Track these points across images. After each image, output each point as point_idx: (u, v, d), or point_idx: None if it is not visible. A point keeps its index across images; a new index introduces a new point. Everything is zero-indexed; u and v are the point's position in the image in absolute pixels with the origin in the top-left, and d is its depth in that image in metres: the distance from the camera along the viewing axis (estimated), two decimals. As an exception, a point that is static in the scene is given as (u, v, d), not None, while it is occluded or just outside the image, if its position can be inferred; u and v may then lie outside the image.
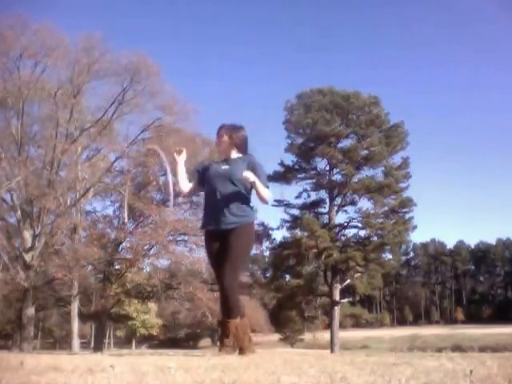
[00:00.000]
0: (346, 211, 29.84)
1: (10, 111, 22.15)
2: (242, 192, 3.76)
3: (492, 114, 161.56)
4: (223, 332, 3.71)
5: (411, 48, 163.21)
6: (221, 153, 3.97)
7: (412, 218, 29.06)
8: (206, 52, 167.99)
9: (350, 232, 29.86)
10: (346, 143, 29.72)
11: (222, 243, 3.74)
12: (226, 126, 3.98)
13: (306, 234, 28.01)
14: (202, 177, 3.95)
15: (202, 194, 4.09)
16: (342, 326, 46.69)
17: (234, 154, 3.89)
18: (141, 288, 29.47)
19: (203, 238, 4.04)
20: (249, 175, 3.65)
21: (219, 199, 3.73)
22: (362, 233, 29.39)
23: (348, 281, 28.76)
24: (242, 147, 3.91)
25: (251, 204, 3.86)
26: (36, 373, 2.26)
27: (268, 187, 3.81)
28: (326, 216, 29.89)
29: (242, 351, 3.67)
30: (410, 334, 63.96)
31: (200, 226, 4.08)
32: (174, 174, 4.02)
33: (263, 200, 3.78)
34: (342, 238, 29.84)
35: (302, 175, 30.37)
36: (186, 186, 4.02)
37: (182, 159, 4.02)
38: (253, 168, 3.75)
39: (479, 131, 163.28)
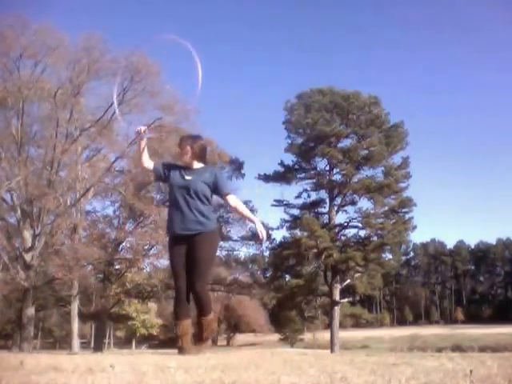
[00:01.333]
0: (346, 211, 29.89)
1: (10, 111, 22.14)
2: (204, 202, 3.99)
3: (492, 114, 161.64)
4: (202, 329, 4.00)
5: (411, 48, 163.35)
6: (184, 163, 4.11)
7: (412, 218, 29.12)
8: (206, 52, 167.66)
9: (350, 232, 29.93)
10: (346, 143, 29.78)
11: (186, 247, 3.96)
12: (186, 137, 4.19)
13: (305, 234, 28.02)
14: (165, 173, 4.10)
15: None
16: (342, 326, 46.66)
17: (196, 164, 4.07)
18: (141, 288, 29.50)
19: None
20: (262, 233, 3.99)
21: (183, 208, 3.94)
22: (362, 233, 29.45)
23: (348, 281, 28.76)
24: (202, 156, 4.11)
25: (212, 213, 4.13)
26: (36, 373, 2.26)
27: (230, 193, 4.14)
28: (326, 216, 29.90)
29: (198, 343, 3.98)
30: (409, 334, 63.85)
31: (166, 231, 4.28)
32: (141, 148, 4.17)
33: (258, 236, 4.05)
34: (342, 237, 29.85)
35: (302, 175, 30.39)
36: (148, 162, 4.17)
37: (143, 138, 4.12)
38: (216, 178, 4.03)
39: (479, 131, 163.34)
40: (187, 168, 4.03)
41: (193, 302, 4.03)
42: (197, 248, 3.88)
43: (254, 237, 30.37)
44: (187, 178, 3.95)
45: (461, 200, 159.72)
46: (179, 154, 4.13)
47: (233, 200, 4.12)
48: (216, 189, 4.02)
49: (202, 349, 3.94)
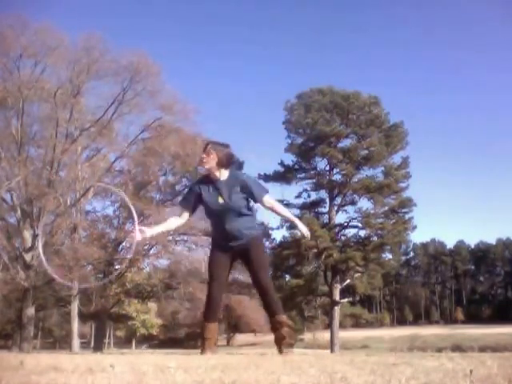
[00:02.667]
0: (345, 211, 29.90)
1: (10, 111, 22.14)
2: (245, 214, 3.87)
3: (492, 114, 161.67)
4: (278, 328, 3.83)
5: (411, 48, 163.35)
6: (206, 171, 3.89)
7: (412, 218, 29.11)
8: (206, 52, 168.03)
9: (350, 232, 29.93)
10: (346, 143, 29.79)
11: (230, 256, 3.91)
12: (212, 143, 3.92)
13: (305, 233, 27.99)
14: (196, 201, 3.92)
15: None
16: (342, 326, 46.67)
17: (222, 173, 3.86)
18: (141, 288, 29.52)
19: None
20: (305, 231, 3.96)
21: (226, 226, 3.82)
22: (362, 233, 29.45)
23: (348, 281, 28.76)
24: (228, 164, 3.88)
25: (255, 220, 4.03)
26: (36, 373, 2.26)
27: (264, 196, 3.90)
28: (326, 216, 29.91)
29: (284, 345, 3.78)
30: (409, 333, 63.92)
31: (212, 243, 4.10)
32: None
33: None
34: (342, 237, 29.85)
35: (302, 175, 30.39)
36: (173, 222, 3.98)
37: (148, 231, 3.83)
38: (245, 187, 3.82)
39: (479, 131, 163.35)
40: (214, 181, 3.83)
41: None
42: (253, 252, 3.84)
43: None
44: (221, 201, 3.79)
45: (461, 200, 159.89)
46: (202, 160, 3.86)
47: (267, 201, 3.93)
48: (250, 196, 3.89)
49: (286, 351, 3.75)
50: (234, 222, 3.81)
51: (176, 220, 3.96)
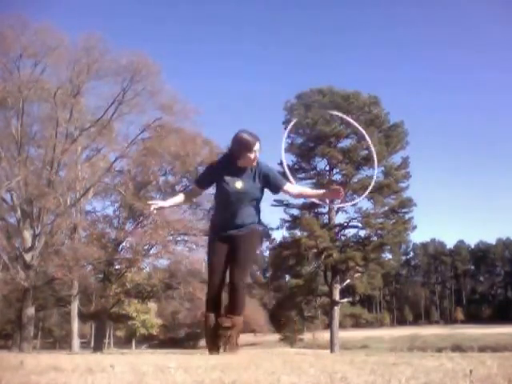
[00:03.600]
0: (345, 211, 29.83)
1: (10, 111, 22.16)
2: (253, 205, 3.88)
3: (492, 114, 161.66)
4: (228, 328, 3.78)
5: (411, 48, 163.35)
6: (248, 165, 3.78)
7: (412, 218, 29.08)
8: (206, 52, 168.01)
9: (350, 232, 29.88)
10: (346, 143, 29.77)
11: (228, 247, 3.86)
12: (259, 139, 3.75)
13: (305, 234, 28.00)
14: (211, 181, 3.92)
15: (202, 196, 4.13)
16: (342, 326, 46.68)
17: None
18: (141, 288, 29.50)
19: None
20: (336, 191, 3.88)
21: (233, 211, 3.82)
22: (362, 233, 29.42)
23: (348, 281, 28.74)
24: None
25: (259, 214, 3.98)
26: (36, 373, 2.26)
27: (284, 185, 3.96)
28: (326, 216, 29.88)
29: (228, 348, 3.76)
30: (409, 333, 63.93)
31: (211, 230, 4.12)
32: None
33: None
34: (342, 237, 29.83)
35: (302, 175, 30.35)
36: (182, 197, 4.10)
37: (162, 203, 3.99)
38: (268, 177, 3.83)
39: (479, 131, 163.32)
40: (241, 167, 3.77)
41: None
42: (239, 245, 3.80)
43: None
44: (239, 185, 3.75)
45: (461, 200, 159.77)
46: (252, 158, 3.72)
47: (292, 188, 4.04)
48: (269, 186, 3.87)
49: (230, 349, 3.73)
50: (241, 210, 3.80)
51: (187, 196, 4.11)
